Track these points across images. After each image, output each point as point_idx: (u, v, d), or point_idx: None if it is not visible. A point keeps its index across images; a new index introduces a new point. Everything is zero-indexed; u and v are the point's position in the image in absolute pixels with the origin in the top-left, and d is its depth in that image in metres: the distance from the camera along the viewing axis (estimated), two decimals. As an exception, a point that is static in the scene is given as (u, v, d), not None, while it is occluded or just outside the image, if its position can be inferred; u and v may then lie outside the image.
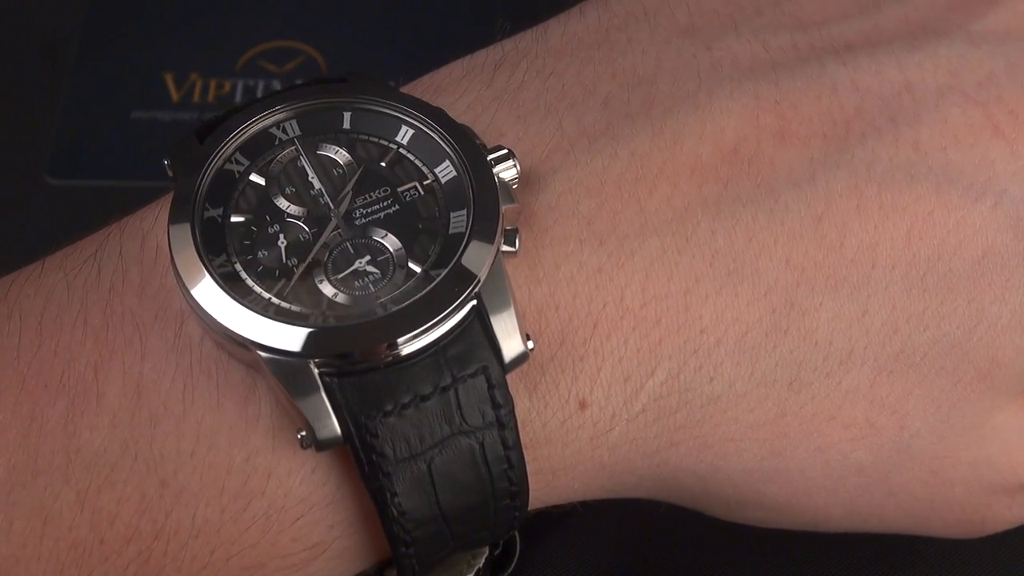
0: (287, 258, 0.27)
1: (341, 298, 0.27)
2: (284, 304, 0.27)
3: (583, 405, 0.28)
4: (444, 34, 0.51)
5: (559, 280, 0.28)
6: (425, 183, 0.29)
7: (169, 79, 0.49)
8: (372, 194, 0.28)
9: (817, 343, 0.29)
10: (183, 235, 0.27)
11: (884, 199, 0.29)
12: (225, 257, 0.27)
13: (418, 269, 0.27)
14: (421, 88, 0.32)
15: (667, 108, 0.30)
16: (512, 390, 0.27)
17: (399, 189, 0.28)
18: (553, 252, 0.28)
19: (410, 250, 0.27)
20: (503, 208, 0.27)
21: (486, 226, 0.27)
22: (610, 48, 0.31)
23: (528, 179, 0.29)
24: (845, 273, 0.29)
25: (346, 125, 0.29)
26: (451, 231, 0.28)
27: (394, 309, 0.26)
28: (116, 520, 0.26)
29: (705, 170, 0.29)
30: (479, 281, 0.26)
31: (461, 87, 0.31)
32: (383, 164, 0.29)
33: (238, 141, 0.29)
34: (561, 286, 0.28)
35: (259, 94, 0.49)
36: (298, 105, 0.29)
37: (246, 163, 0.29)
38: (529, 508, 0.28)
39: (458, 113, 0.30)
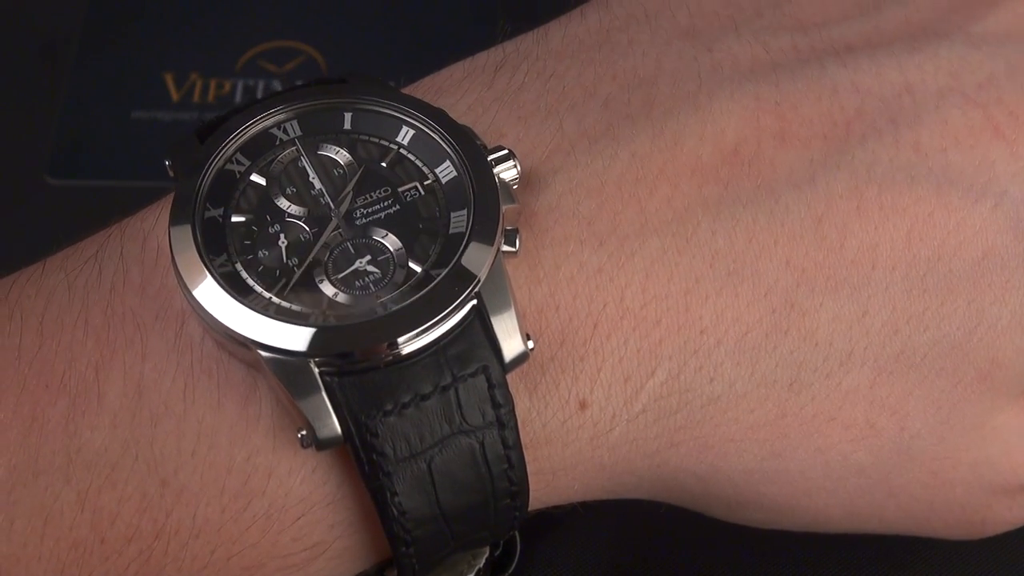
0: (288, 258, 0.27)
1: (342, 298, 0.27)
2: (285, 304, 0.27)
3: (583, 405, 0.28)
4: (445, 35, 0.51)
5: (559, 280, 0.28)
6: (426, 183, 0.29)
7: (169, 79, 0.49)
8: (373, 194, 0.28)
9: (817, 344, 0.29)
10: (184, 236, 0.27)
11: (884, 200, 0.29)
12: (226, 257, 0.27)
13: (418, 269, 0.27)
14: (422, 89, 0.32)
15: (668, 109, 0.30)
16: (512, 390, 0.27)
17: (400, 189, 0.28)
18: (553, 252, 0.28)
19: (410, 250, 0.27)
20: (503, 208, 0.28)
21: (486, 226, 0.27)
22: (611, 50, 0.31)
23: (528, 180, 0.29)
24: (845, 274, 0.29)
25: (347, 125, 0.29)
26: (451, 231, 0.28)
27: (394, 309, 0.26)
28: (117, 520, 0.26)
29: (705, 171, 0.29)
30: (479, 281, 0.26)
31: (462, 88, 0.31)
32: (384, 164, 0.29)
33: (239, 141, 0.29)
34: (561, 286, 0.28)
35: (259, 94, 0.49)
36: (299, 106, 0.29)
37: (247, 163, 0.29)
38: (529, 508, 0.28)
39: (459, 114, 0.30)
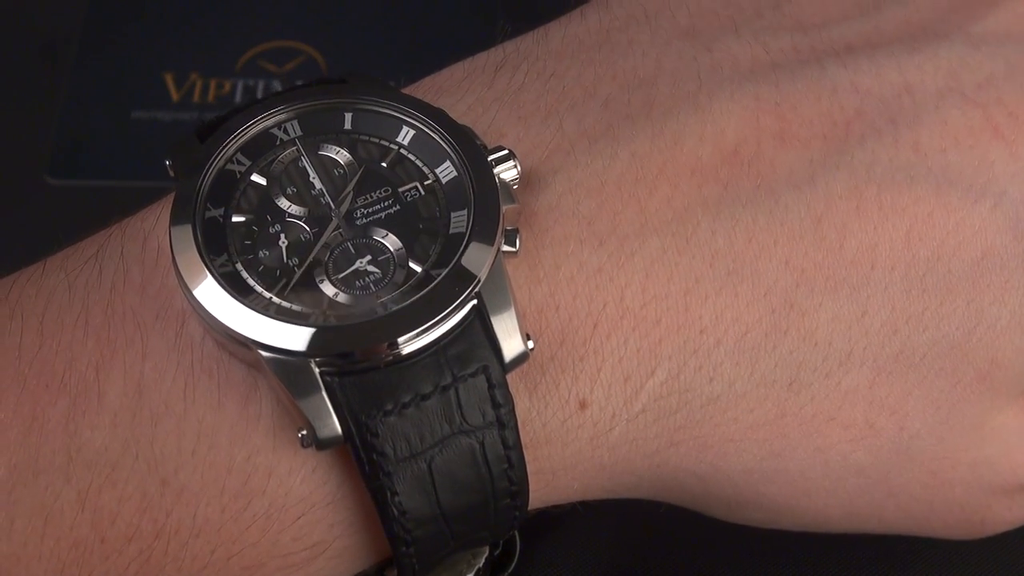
0: (288, 258, 0.27)
1: (342, 298, 0.27)
2: (285, 304, 0.27)
3: (583, 405, 0.28)
4: (445, 35, 0.51)
5: (559, 280, 0.28)
6: (426, 183, 0.29)
7: (169, 79, 0.49)
8: (373, 194, 0.28)
9: (817, 344, 0.29)
10: (184, 236, 0.27)
11: (884, 200, 0.29)
12: (226, 257, 0.27)
13: (419, 269, 0.27)
14: (422, 89, 0.32)
15: (667, 109, 0.30)
16: (512, 390, 0.27)
17: (400, 189, 0.28)
18: (553, 252, 0.28)
19: (411, 250, 0.28)
20: (503, 208, 0.28)
21: (486, 226, 0.27)
22: (611, 50, 0.31)
23: (529, 180, 0.29)
24: (845, 274, 0.29)
25: (347, 125, 0.29)
26: (451, 231, 0.28)
27: (395, 308, 0.26)
28: (117, 519, 0.26)
29: (705, 171, 0.29)
30: (479, 281, 0.27)
31: (462, 88, 0.31)
32: (384, 164, 0.29)
33: (239, 141, 0.29)
34: (561, 286, 0.28)
35: (259, 94, 0.49)
36: (299, 106, 0.29)
37: (247, 163, 0.29)
38: (529, 508, 0.28)
39: (459, 114, 0.30)
